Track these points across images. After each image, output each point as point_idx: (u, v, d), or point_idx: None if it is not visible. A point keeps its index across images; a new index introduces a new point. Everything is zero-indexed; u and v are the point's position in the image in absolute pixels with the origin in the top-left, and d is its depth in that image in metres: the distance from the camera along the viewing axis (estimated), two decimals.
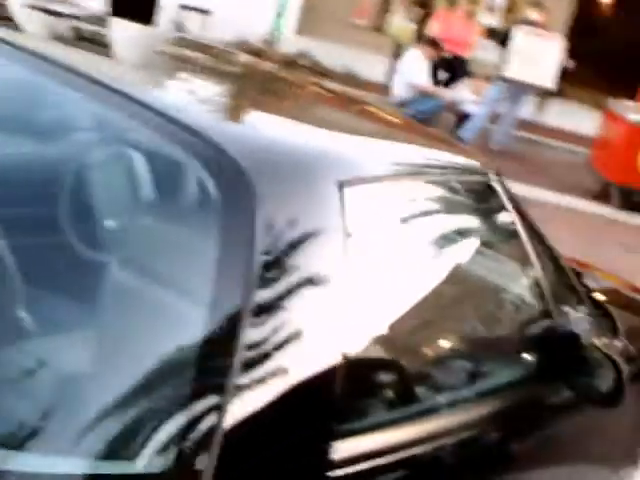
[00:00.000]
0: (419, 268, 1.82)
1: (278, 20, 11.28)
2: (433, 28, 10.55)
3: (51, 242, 2.05)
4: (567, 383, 2.05)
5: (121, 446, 1.25)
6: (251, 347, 1.29)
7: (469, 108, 10.06)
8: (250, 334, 1.29)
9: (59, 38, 2.21)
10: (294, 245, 1.39)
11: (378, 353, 1.62)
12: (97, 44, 2.32)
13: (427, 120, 8.36)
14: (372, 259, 1.60)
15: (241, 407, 1.25)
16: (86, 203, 2.10)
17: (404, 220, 1.78)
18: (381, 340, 1.61)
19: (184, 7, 11.50)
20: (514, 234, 2.12)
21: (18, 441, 1.28)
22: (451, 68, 10.35)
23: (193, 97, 1.82)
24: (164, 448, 1.22)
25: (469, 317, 2.02)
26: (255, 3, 12.92)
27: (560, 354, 2.03)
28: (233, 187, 1.39)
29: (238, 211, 1.37)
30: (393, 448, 1.52)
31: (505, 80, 9.64)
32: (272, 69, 2.60)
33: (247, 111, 1.92)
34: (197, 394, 1.25)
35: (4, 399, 1.39)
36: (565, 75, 10.12)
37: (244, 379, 1.26)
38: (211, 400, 1.25)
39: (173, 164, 1.79)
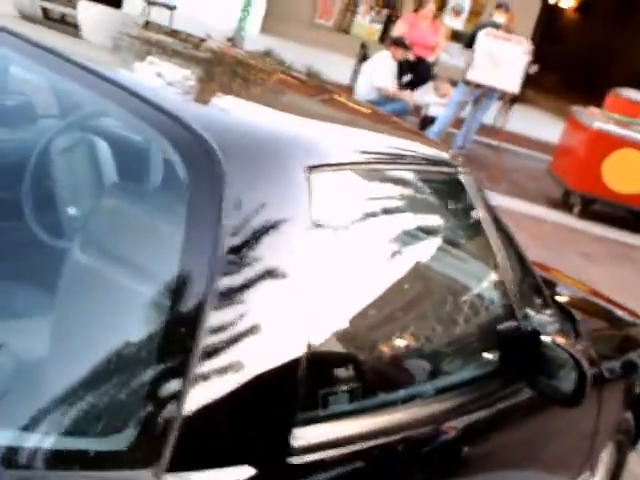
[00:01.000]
0: (384, 261, 1.81)
1: (243, 19, 11.20)
2: (398, 29, 10.52)
3: (14, 226, 2.05)
4: (529, 382, 2.04)
5: (82, 425, 1.26)
6: (215, 332, 1.28)
7: (433, 111, 10.01)
8: (214, 318, 1.28)
9: (27, 18, 2.17)
10: (261, 229, 1.38)
11: (339, 345, 1.62)
12: (66, 25, 2.29)
13: None
14: (337, 248, 1.59)
15: (202, 392, 1.25)
16: (52, 185, 2.08)
17: (371, 210, 1.77)
18: (342, 331, 1.61)
19: (150, 2, 11.48)
20: (481, 230, 2.11)
21: None
22: (416, 71, 10.31)
23: (163, 79, 1.81)
24: (125, 428, 1.22)
25: (432, 313, 2.01)
26: (220, 1, 12.84)
27: (523, 353, 2.04)
28: (201, 167, 1.37)
29: (206, 191, 1.35)
30: (351, 438, 1.53)
31: (469, 83, 9.57)
32: (242, 56, 2.59)
33: (218, 94, 1.91)
34: (158, 377, 1.26)
35: None
36: (528, 81, 10.08)
37: (206, 364, 1.26)
38: (173, 384, 1.24)
39: (142, 143, 1.77)
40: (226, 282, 1.31)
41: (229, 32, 10.95)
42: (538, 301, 2.28)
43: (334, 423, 1.51)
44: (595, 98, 10.95)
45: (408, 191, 1.99)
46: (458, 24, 15.11)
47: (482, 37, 9.34)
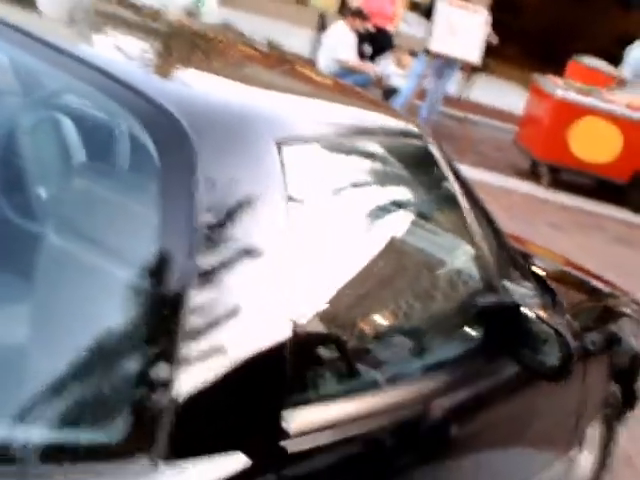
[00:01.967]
0: (360, 235, 1.79)
1: None
2: (356, 0, 10.40)
3: None
4: (514, 356, 2.02)
5: (72, 416, 1.25)
6: (197, 313, 1.26)
7: (395, 82, 9.86)
8: (196, 299, 1.26)
9: None
10: (236, 205, 1.36)
11: (321, 324, 1.60)
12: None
13: None
14: (313, 222, 1.58)
15: (190, 376, 1.24)
16: (20, 166, 2.04)
17: (343, 183, 1.76)
18: (322, 310, 1.59)
19: None
20: (454, 203, 2.08)
21: None
22: (376, 42, 10.22)
23: (124, 53, 1.76)
24: (116, 417, 1.20)
25: (412, 289, 2.00)
26: None
27: (506, 327, 2.01)
28: (172, 145, 1.35)
29: (178, 169, 1.33)
30: (341, 421, 1.52)
31: (429, 53, 9.43)
32: (203, 28, 2.57)
33: (182, 69, 1.87)
34: (145, 363, 1.24)
35: None
36: (489, 51, 9.97)
37: (192, 347, 1.25)
38: (160, 369, 1.22)
39: (109, 121, 1.75)
40: (205, 261, 1.28)
41: (188, 5, 10.68)
42: (516, 274, 2.24)
43: (322, 405, 1.50)
44: (556, 67, 10.88)
45: (379, 164, 1.97)
46: None
47: (441, 6, 9.20)
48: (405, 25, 11.28)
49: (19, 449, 1.17)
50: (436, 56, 9.43)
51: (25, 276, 1.48)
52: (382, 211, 1.89)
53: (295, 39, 11.03)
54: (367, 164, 1.90)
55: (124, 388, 1.24)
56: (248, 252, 1.35)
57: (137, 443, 1.19)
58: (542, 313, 2.00)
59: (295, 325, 1.39)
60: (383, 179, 1.97)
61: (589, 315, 2.85)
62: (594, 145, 8.75)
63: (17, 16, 1.82)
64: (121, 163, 2.01)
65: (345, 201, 1.75)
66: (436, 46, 9.27)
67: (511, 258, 2.30)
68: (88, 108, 2.04)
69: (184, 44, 2.15)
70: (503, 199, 7.56)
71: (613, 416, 3.13)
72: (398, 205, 1.99)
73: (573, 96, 8.82)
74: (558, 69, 10.51)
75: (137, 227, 1.39)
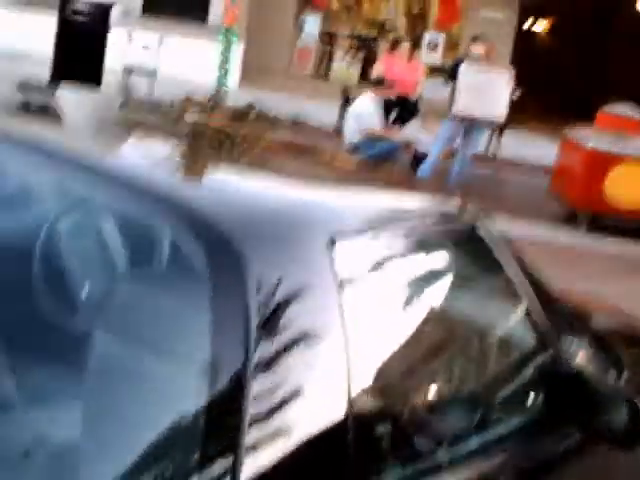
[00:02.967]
0: (408, 314, 1.80)
1: (223, 75, 11.20)
2: (377, 71, 10.61)
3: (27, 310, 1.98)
4: (577, 423, 1.93)
5: None
6: (257, 402, 1.29)
7: (423, 147, 9.90)
8: (254, 392, 1.28)
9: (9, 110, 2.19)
10: (286, 300, 1.41)
11: (380, 405, 1.60)
12: (48, 115, 2.32)
13: (382, 162, 8.17)
14: (365, 312, 1.59)
15: (254, 465, 1.25)
16: (63, 268, 2.05)
17: (391, 271, 1.77)
18: (382, 391, 1.60)
19: (129, 69, 11.40)
20: (505, 279, 2.06)
21: None
22: (401, 109, 10.33)
23: (160, 164, 1.82)
24: None
25: (467, 364, 1.96)
26: (198, 59, 12.92)
27: (566, 393, 1.94)
28: (220, 253, 1.40)
29: (228, 275, 1.38)
30: None
31: (455, 117, 9.50)
32: (225, 125, 2.66)
33: (220, 173, 1.91)
34: (210, 457, 1.26)
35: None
36: (512, 105, 10.04)
37: (254, 437, 1.27)
38: (225, 461, 1.25)
39: (155, 235, 1.83)
40: (261, 355, 1.32)
41: (210, 90, 10.92)
42: (572, 333, 2.18)
43: None
44: (577, 112, 10.91)
45: (424, 248, 1.95)
46: (435, 59, 15.21)
47: (464, 70, 9.30)
48: (428, 90, 11.44)
49: None
50: (462, 119, 9.52)
51: (81, 377, 1.50)
52: (428, 289, 1.89)
53: (319, 114, 11.22)
54: (414, 250, 1.90)
55: None
56: (301, 339, 1.39)
57: None
58: (603, 374, 1.97)
59: (353, 409, 1.41)
60: (429, 260, 1.97)
61: None
62: (630, 191, 8.78)
63: (47, 135, 1.93)
64: (167, 269, 2.03)
65: (393, 283, 1.76)
66: (462, 110, 9.36)
67: (565, 317, 2.25)
68: (133, 216, 2.08)
69: (214, 144, 2.22)
70: (542, 250, 7.52)
71: None
72: (442, 282, 1.97)
73: (605, 146, 8.86)
74: (579, 114, 10.54)
75: (191, 330, 1.42)
